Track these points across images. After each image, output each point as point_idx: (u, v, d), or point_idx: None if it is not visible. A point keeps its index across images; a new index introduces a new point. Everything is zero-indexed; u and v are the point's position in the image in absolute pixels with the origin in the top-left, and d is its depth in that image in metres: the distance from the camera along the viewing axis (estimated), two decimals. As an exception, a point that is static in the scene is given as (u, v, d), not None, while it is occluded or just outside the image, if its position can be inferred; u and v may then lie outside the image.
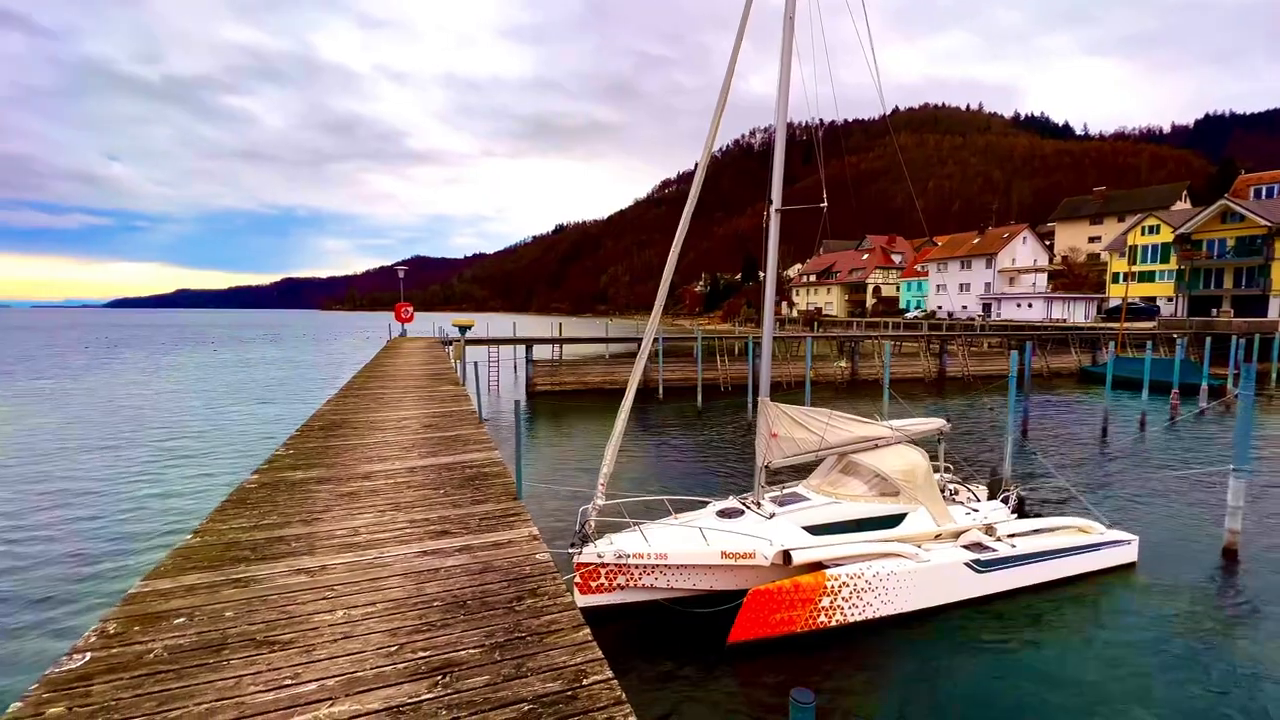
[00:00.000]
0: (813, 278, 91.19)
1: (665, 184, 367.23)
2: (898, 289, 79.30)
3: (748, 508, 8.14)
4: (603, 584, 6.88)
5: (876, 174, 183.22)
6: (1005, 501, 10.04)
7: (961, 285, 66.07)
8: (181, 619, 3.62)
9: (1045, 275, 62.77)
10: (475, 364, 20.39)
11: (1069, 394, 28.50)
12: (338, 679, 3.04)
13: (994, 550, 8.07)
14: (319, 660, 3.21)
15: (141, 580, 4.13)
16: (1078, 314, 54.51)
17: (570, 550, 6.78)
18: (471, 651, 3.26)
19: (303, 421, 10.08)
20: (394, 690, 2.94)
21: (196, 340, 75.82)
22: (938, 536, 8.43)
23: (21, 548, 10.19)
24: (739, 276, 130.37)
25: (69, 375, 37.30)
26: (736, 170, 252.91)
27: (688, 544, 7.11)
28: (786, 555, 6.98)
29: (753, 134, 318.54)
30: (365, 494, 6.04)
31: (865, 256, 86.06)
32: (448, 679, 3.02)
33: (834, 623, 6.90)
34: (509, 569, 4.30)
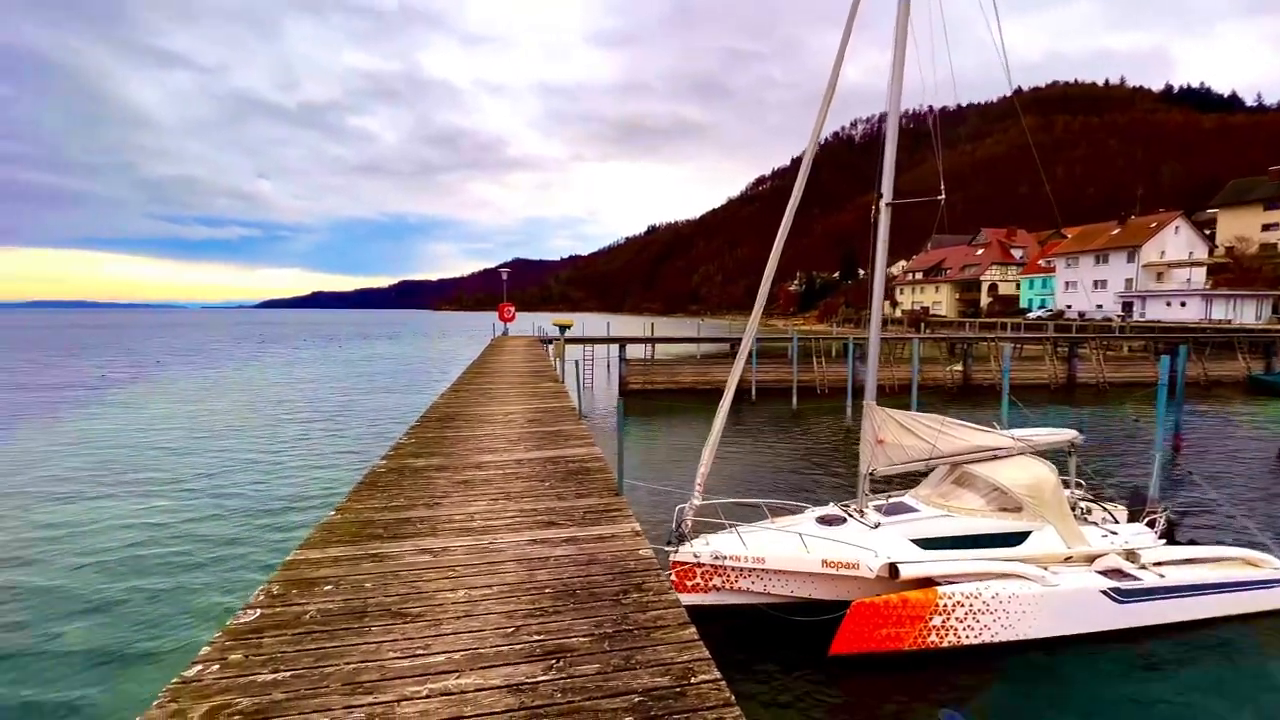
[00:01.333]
0: (919, 275, 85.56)
1: (759, 181, 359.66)
2: (1017, 286, 72.46)
3: (850, 516, 7.81)
4: (698, 584, 6.90)
5: (994, 162, 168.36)
6: (1151, 525, 8.90)
7: (1096, 282, 59.14)
8: (329, 586, 4.07)
9: (1203, 270, 54.69)
10: (577, 362, 21.18)
11: (1233, 406, 24.71)
12: (462, 653, 3.29)
13: (1137, 579, 7.18)
14: (445, 635, 3.48)
15: (296, 550, 4.69)
16: (1246, 314, 47.04)
17: (666, 549, 6.85)
18: (582, 639, 3.40)
19: (420, 412, 10.99)
20: (512, 669, 3.13)
21: (329, 337, 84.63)
22: (1067, 559, 7.64)
23: (202, 514, 11.88)
24: (837, 275, 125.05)
25: (232, 366, 43.42)
26: (836, 164, 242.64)
27: (787, 550, 6.95)
28: (893, 568, 6.63)
29: (853, 125, 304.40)
30: (479, 482, 6.46)
31: (980, 251, 79.46)
32: (561, 664, 3.17)
33: (946, 644, 6.46)
34: (613, 562, 4.43)
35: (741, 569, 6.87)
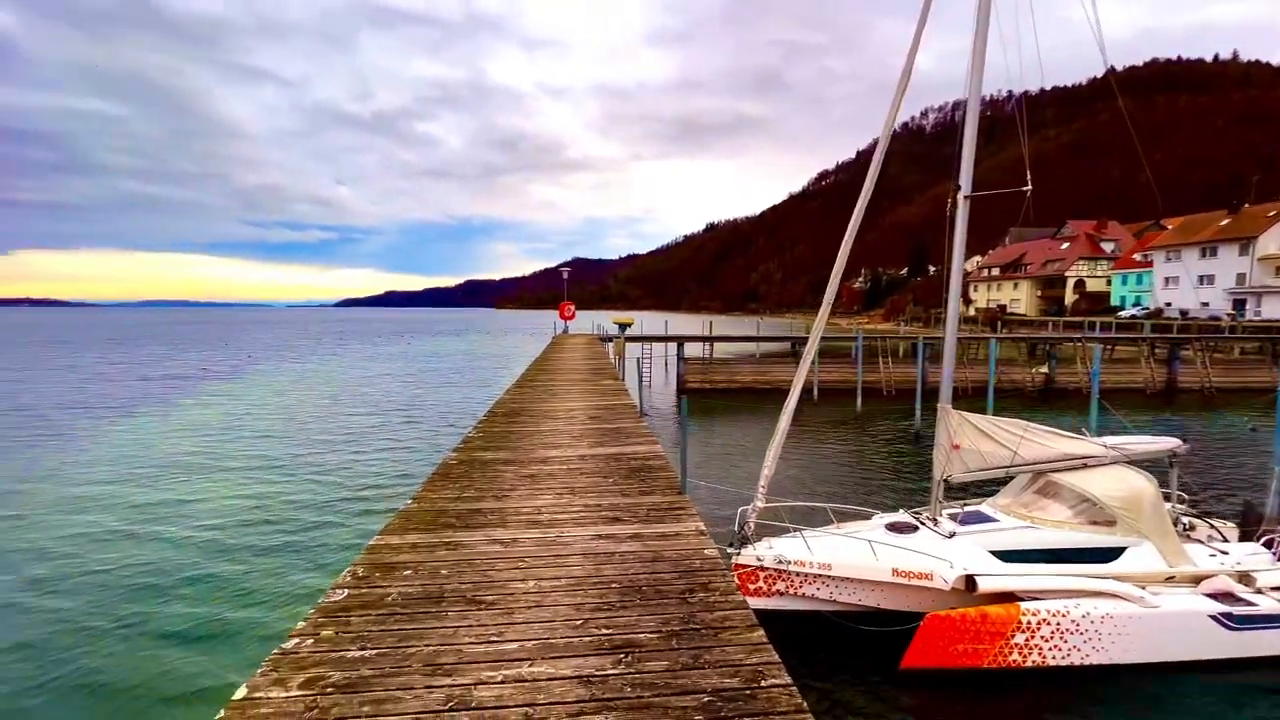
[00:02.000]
0: (996, 271, 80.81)
1: (822, 176, 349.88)
2: (1108, 283, 67.12)
3: (922, 523, 7.48)
4: (760, 588, 6.80)
5: (1081, 149, 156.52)
6: (1269, 546, 8.04)
7: (1202, 277, 53.96)
8: (409, 571, 4.28)
9: (1333, 263, 48.81)
10: (638, 360, 21.53)
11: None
12: (534, 642, 3.38)
13: (1252, 604, 6.51)
14: (517, 623, 3.59)
15: (377, 535, 4.96)
16: (1387, 313, 41.67)
17: (729, 551, 6.79)
18: (649, 636, 3.42)
19: (486, 406, 11.40)
20: (582, 661, 3.19)
21: (400, 334, 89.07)
22: (1169, 579, 7.02)
23: (294, 496, 12.79)
24: (904, 271, 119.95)
25: (315, 361, 46.74)
26: (905, 156, 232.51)
27: (854, 556, 6.74)
28: (970, 581, 6.30)
29: (924, 115, 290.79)
30: (544, 477, 6.62)
31: (1066, 245, 74.08)
32: (630, 658, 3.21)
33: (1029, 663, 6.08)
34: (679, 560, 4.43)
35: (806, 574, 6.72)
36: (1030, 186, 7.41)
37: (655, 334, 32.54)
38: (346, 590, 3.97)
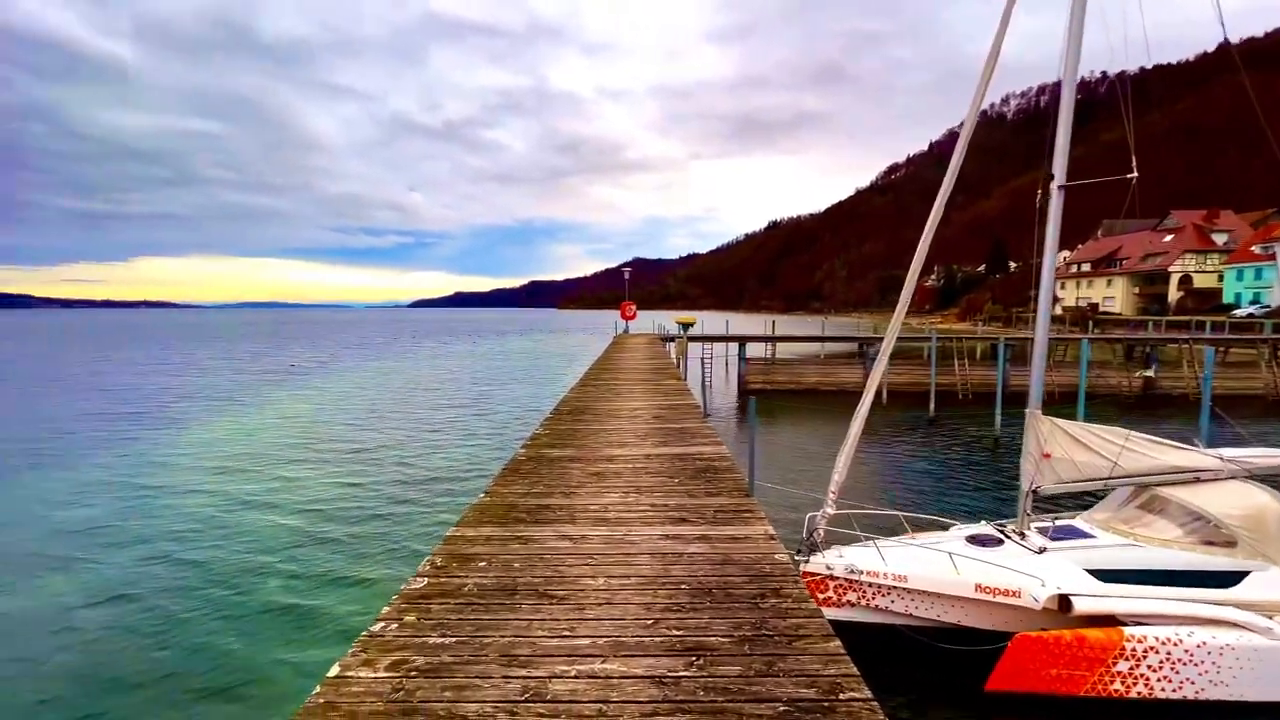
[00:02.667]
0: (1086, 267, 74.92)
1: (892, 169, 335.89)
2: (1219, 278, 60.79)
3: (1007, 537, 7.00)
4: (830, 598, 6.56)
5: (1193, 130, 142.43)
6: None
7: (1336, 271, 47.93)
8: (483, 563, 4.41)
9: None
10: (702, 360, 21.47)
11: None
12: (606, 639, 3.40)
13: None
14: (588, 619, 3.62)
15: (453, 527, 5.15)
16: None
17: (796, 558, 6.60)
18: (721, 640, 3.37)
19: (550, 403, 11.67)
20: (654, 661, 3.18)
21: (469, 333, 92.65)
22: None
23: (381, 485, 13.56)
24: (982, 268, 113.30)
25: (392, 358, 49.54)
26: (982, 147, 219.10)
27: (933, 569, 6.38)
28: (1065, 601, 5.84)
29: (1004, 101, 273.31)
30: (610, 475, 6.67)
31: (1169, 238, 67.69)
32: (702, 661, 3.17)
33: (1133, 694, 5.57)
34: (749, 564, 4.35)
35: (880, 586, 6.42)
36: (1135, 174, 6.79)
37: (718, 334, 32.24)
38: (426, 579, 4.14)
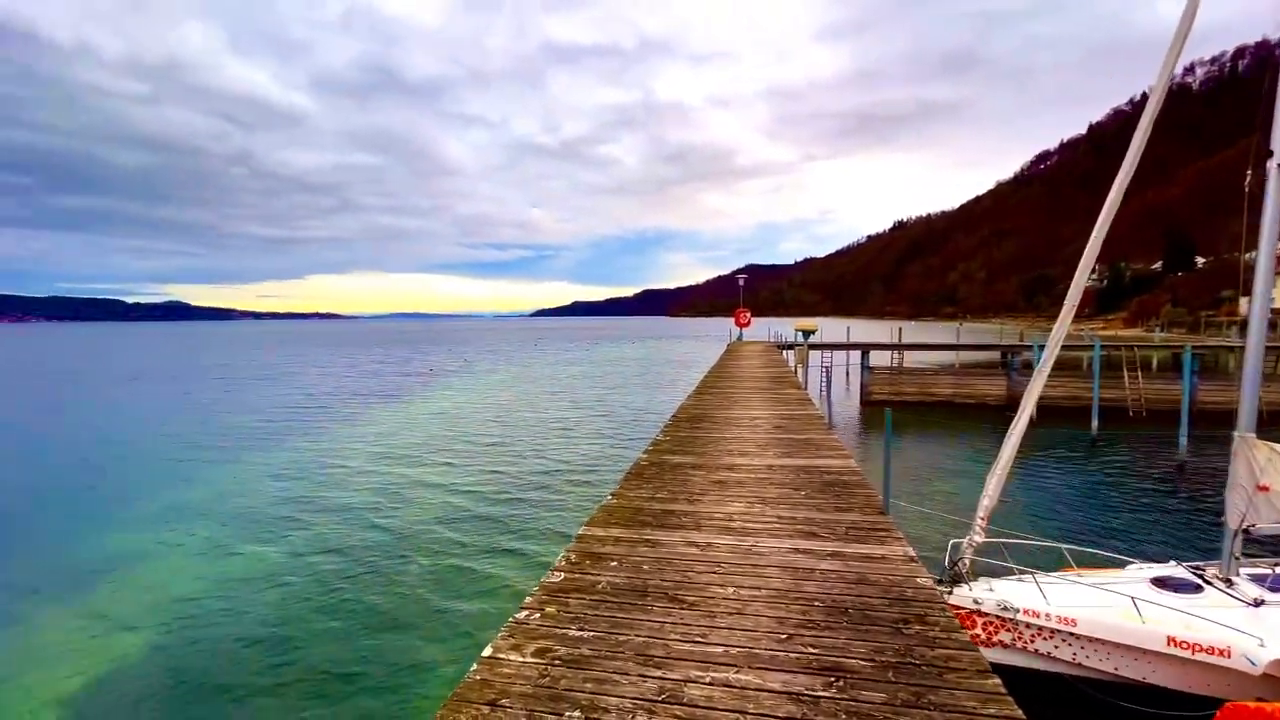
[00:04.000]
0: (1305, 261, 61.92)
1: (1041, 158, 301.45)
2: None
3: (1208, 582, 5.97)
4: (978, 635, 5.98)
5: None
6: None
7: None
8: (614, 563, 4.57)
9: None
10: (827, 369, 20.98)
11: None
12: (738, 649, 3.38)
13: None
14: (719, 627, 3.62)
15: (584, 526, 5.39)
16: None
17: (939, 588, 6.10)
18: (862, 663, 3.22)
19: (666, 408, 11.97)
20: (790, 677, 3.11)
21: (587, 341, 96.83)
22: None
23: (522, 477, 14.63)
24: (1158, 265, 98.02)
25: (519, 363, 53.40)
26: (1158, 124, 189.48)
27: (1111, 614, 5.57)
28: (1289, 664, 4.86)
29: (1188, 71, 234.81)
30: (733, 484, 6.62)
31: None
32: (841, 683, 3.05)
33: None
34: (888, 586, 4.11)
35: (1042, 628, 5.73)
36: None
37: (835, 341, 30.80)
38: (563, 573, 4.38)
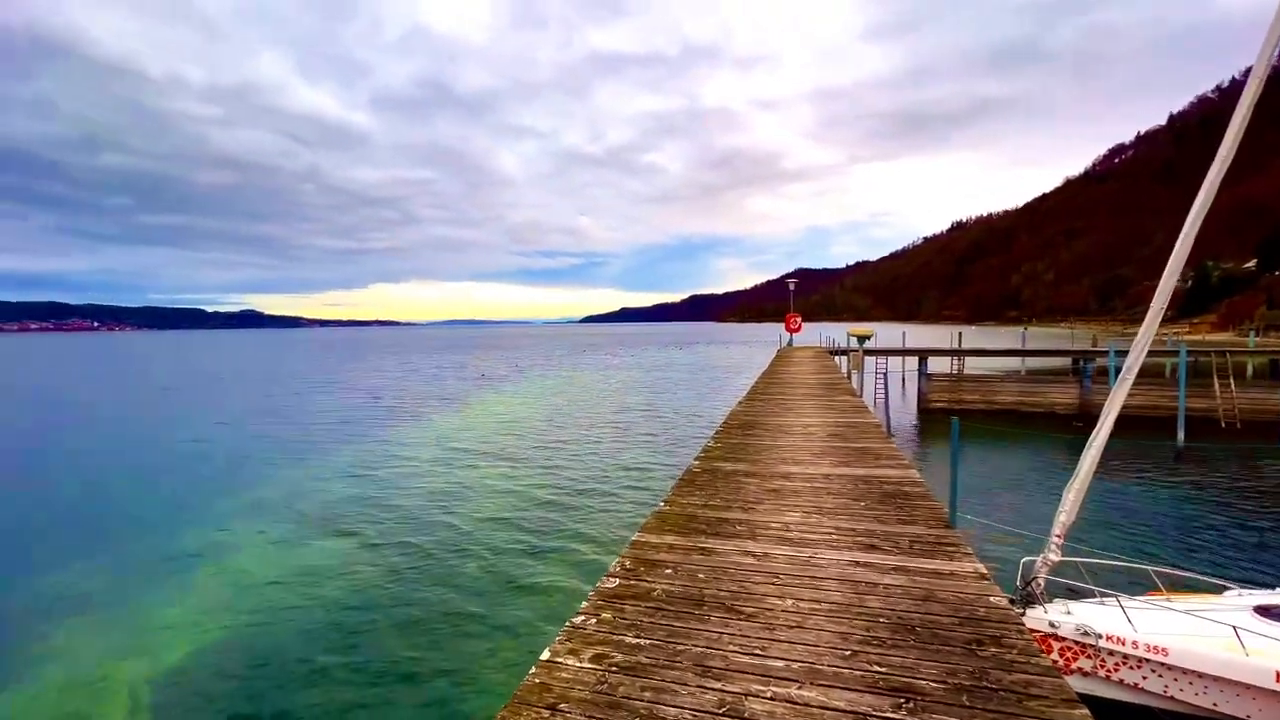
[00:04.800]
0: None
1: (1116, 151, 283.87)
2: None
3: (1321, 611, 5.41)
4: (1054, 661, 5.60)
5: None
6: None
7: None
8: (669, 570, 4.54)
9: None
10: (885, 375, 20.51)
11: None
12: (799, 664, 3.28)
13: None
14: (779, 641, 3.53)
15: (637, 533, 5.38)
16: None
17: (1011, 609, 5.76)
18: (933, 685, 3.07)
19: (716, 413, 11.88)
20: (856, 696, 2.99)
21: (635, 346, 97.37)
22: None
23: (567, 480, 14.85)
24: (1250, 264, 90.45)
25: (569, 369, 54.30)
26: (1254, 111, 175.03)
27: (1208, 645, 5.12)
28: None
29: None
30: (788, 493, 6.47)
31: None
32: (912, 705, 2.91)
33: None
34: (958, 605, 3.91)
35: (1128, 656, 5.32)
36: None
37: (891, 347, 29.77)
38: (618, 579, 4.37)
